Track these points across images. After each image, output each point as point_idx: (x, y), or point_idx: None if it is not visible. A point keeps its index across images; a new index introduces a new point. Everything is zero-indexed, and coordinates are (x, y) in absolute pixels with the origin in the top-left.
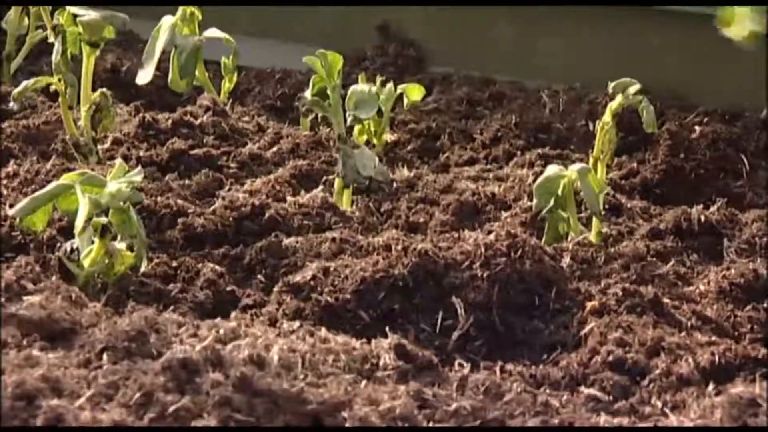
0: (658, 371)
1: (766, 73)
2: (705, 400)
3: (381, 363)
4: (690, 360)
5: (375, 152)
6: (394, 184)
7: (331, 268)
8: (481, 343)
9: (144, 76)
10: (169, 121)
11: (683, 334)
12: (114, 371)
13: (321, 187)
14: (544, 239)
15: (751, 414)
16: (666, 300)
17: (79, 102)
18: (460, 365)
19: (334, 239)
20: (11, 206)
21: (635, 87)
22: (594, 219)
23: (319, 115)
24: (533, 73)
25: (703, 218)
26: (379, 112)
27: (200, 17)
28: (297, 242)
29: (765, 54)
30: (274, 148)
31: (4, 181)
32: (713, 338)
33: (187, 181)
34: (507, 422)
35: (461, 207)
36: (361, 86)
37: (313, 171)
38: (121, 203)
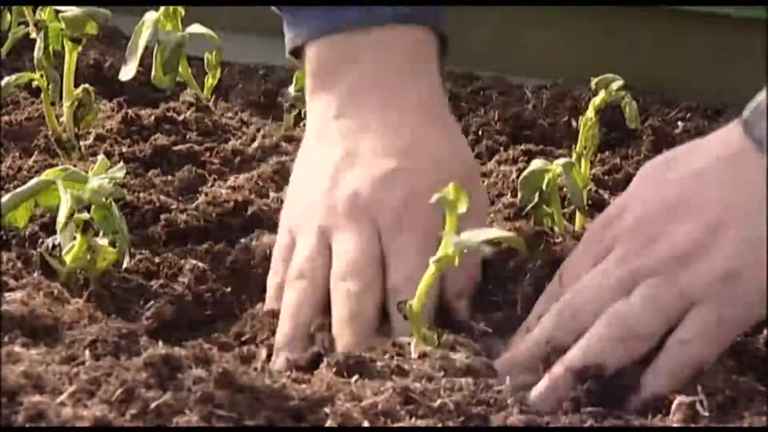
0: None
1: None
2: (690, 396)
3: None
4: None
5: None
6: None
7: None
8: None
9: (127, 72)
10: (152, 117)
11: None
12: (96, 367)
13: None
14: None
15: None
16: None
17: (61, 98)
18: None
19: None
20: None
21: (618, 83)
22: (578, 214)
23: (303, 110)
24: (516, 69)
25: None
26: None
27: (183, 13)
28: None
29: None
30: (257, 144)
31: None
32: None
33: (169, 177)
34: (490, 419)
35: None
36: None
37: None
38: (104, 199)
